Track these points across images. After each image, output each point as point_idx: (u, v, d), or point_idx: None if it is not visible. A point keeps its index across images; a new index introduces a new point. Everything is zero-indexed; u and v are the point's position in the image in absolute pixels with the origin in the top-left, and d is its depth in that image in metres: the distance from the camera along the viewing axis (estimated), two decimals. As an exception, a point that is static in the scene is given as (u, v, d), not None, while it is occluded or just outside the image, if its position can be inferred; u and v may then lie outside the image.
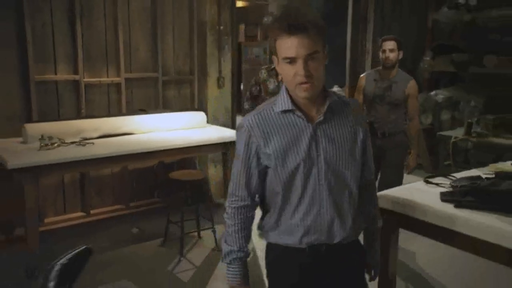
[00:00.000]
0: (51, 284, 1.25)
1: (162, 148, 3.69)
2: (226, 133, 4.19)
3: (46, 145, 3.39)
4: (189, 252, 3.79)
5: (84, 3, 4.15)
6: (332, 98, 1.56)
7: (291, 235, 1.59)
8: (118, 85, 4.44)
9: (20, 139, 3.63)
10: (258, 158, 1.57)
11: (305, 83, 1.46)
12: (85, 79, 4.23)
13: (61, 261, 1.31)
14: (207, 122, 4.63)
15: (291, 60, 1.45)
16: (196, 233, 4.02)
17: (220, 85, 4.86)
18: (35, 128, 3.57)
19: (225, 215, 1.66)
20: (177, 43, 4.77)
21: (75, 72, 4.20)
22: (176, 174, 3.84)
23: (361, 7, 6.52)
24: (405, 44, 3.72)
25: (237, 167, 1.61)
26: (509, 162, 2.70)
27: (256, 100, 3.80)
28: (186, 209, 3.74)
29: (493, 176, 2.25)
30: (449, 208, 2.04)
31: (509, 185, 2.01)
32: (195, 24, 4.77)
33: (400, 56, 3.63)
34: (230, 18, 4.76)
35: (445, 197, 2.11)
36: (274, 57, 1.56)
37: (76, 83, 4.21)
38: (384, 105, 3.63)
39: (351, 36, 6.61)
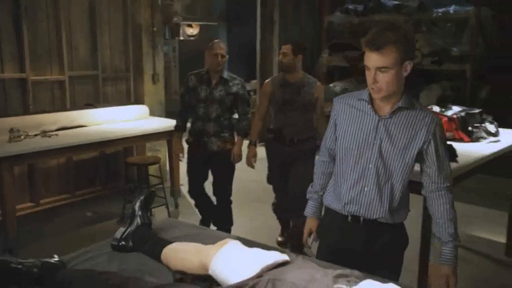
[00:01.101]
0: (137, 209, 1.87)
1: (121, 137, 4.21)
2: (168, 123, 4.75)
3: (15, 137, 3.72)
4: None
5: (28, 5, 4.43)
6: (405, 103, 1.85)
7: (338, 201, 1.98)
8: (62, 82, 4.78)
9: (-18, 134, 3.89)
10: (335, 127, 2.00)
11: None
12: (32, 77, 4.52)
13: (140, 198, 1.93)
14: (147, 114, 5.16)
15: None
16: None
17: (155, 81, 5.40)
18: (-3, 123, 3.86)
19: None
20: (114, 43, 5.20)
21: (22, 70, 4.48)
22: (135, 159, 4.37)
23: (268, 10, 7.38)
24: (304, 45, 3.71)
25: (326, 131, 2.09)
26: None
27: (191, 109, 3.72)
28: (143, 189, 4.28)
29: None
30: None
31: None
32: (130, 26, 5.24)
33: (299, 60, 3.52)
34: (161, 20, 5.31)
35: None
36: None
37: (23, 81, 4.49)
38: (295, 110, 3.53)
39: (260, 36, 7.44)
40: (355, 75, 7.45)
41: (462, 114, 3.27)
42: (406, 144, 1.87)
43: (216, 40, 3.71)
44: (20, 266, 1.60)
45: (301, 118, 3.57)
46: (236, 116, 3.80)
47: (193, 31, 8.85)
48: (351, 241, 1.96)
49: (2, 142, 3.68)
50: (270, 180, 3.93)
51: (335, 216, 2.01)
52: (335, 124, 2.01)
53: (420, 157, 1.89)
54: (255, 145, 3.71)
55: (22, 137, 3.79)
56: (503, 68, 6.94)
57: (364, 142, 1.90)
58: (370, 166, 1.90)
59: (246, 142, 3.70)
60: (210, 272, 1.55)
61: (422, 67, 6.66)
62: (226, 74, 3.66)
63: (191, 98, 3.69)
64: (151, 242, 1.85)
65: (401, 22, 1.92)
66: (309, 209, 2.18)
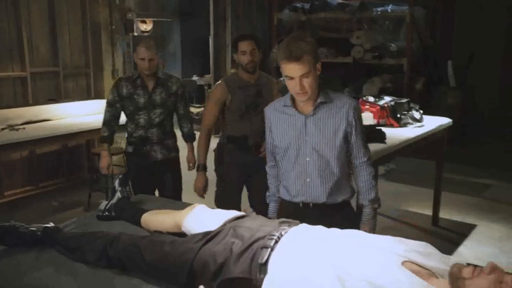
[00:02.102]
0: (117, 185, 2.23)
1: (85, 129, 4.51)
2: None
3: (-16, 131, 3.93)
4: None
5: (-11, 5, 4.62)
6: (324, 98, 2.13)
7: (288, 193, 2.27)
8: (24, 78, 4.97)
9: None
10: (271, 133, 2.27)
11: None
12: (-6, 74, 4.71)
13: (120, 176, 2.29)
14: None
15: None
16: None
17: (114, 77, 5.66)
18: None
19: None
20: (73, 41, 5.42)
21: (-16, 68, 4.66)
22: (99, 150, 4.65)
23: (220, 7, 7.75)
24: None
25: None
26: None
27: (122, 118, 3.43)
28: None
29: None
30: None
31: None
32: (89, 24, 5.48)
33: (260, 56, 3.14)
34: (120, 18, 5.58)
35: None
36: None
37: (-15, 78, 4.67)
38: (259, 115, 3.03)
39: (213, 32, 7.80)
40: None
41: (392, 103, 3.78)
42: (333, 132, 2.14)
43: (143, 43, 3.27)
44: (26, 230, 1.93)
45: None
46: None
47: (146, 27, 9.00)
48: (306, 221, 2.11)
49: (-29, 136, 3.89)
50: (222, 200, 3.26)
51: (289, 205, 2.31)
52: (271, 130, 2.28)
53: (345, 139, 2.18)
54: (205, 170, 3.22)
55: (-10, 131, 4.00)
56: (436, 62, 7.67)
57: (297, 140, 2.17)
58: (307, 159, 2.17)
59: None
60: (183, 229, 1.93)
61: (364, 61, 7.25)
62: (161, 74, 3.38)
63: (126, 107, 3.34)
64: (131, 211, 2.22)
65: (301, 33, 2.23)
66: (271, 211, 2.42)
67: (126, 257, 1.73)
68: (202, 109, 8.64)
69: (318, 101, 2.14)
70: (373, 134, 3.28)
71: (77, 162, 5.54)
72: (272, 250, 1.56)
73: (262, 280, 1.50)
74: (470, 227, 4.32)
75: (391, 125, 3.76)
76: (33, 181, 5.17)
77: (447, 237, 4.13)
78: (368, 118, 3.72)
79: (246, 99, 3.12)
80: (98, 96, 5.59)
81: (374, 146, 3.17)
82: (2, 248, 1.96)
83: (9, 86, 4.90)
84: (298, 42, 2.01)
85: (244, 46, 3.06)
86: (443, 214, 4.45)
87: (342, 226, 1.82)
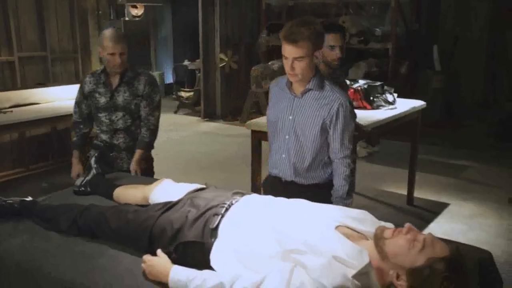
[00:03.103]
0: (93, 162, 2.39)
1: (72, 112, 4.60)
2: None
3: (-27, 114, 4.07)
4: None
5: (-25, -9, 4.72)
6: (313, 85, 2.24)
7: (269, 164, 2.47)
8: (12, 63, 5.09)
9: None
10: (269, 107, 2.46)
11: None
12: (-17, 59, 4.83)
13: (95, 154, 2.44)
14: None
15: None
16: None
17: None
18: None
19: None
20: (61, 26, 5.53)
21: (-28, 52, 4.78)
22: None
23: (209, -8, 7.84)
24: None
25: None
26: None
27: (89, 119, 3.08)
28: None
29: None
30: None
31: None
32: (76, 10, 5.58)
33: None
34: (108, 3, 5.68)
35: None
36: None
37: (-26, 62, 4.79)
38: None
39: (202, 17, 7.89)
40: (291, 54, 8.04)
41: (365, 86, 3.92)
42: (313, 120, 2.25)
43: (109, 36, 2.84)
44: (4, 203, 2.09)
45: None
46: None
47: (138, 11, 9.11)
48: (279, 194, 2.20)
49: (-40, 119, 4.03)
50: None
51: (269, 176, 2.51)
52: (270, 102, 2.45)
53: (325, 131, 2.27)
54: None
55: (-22, 114, 4.14)
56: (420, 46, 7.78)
57: (283, 117, 2.32)
58: (286, 137, 2.32)
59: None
60: (150, 201, 2.09)
61: (350, 46, 7.36)
62: (130, 72, 2.96)
63: (88, 106, 3.03)
64: (105, 187, 2.37)
65: (312, 19, 2.28)
66: None
67: (94, 224, 1.90)
68: (192, 93, 8.77)
69: (307, 86, 2.26)
70: (343, 115, 3.42)
71: (66, 145, 5.68)
72: (222, 216, 1.73)
73: (212, 243, 1.67)
74: (443, 206, 4.50)
75: (364, 108, 3.91)
76: (23, 163, 5.32)
77: (420, 215, 4.32)
78: (341, 101, 3.86)
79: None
80: (86, 80, 5.72)
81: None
82: (-18, 219, 2.12)
83: (-2, 70, 5.03)
84: (300, 27, 2.11)
85: (334, 40, 2.77)
86: (420, 194, 4.62)
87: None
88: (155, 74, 9.24)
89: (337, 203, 2.23)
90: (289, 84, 2.33)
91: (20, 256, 1.83)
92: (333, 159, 2.31)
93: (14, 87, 5.03)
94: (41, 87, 5.05)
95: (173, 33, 10.57)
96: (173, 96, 9.39)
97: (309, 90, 2.28)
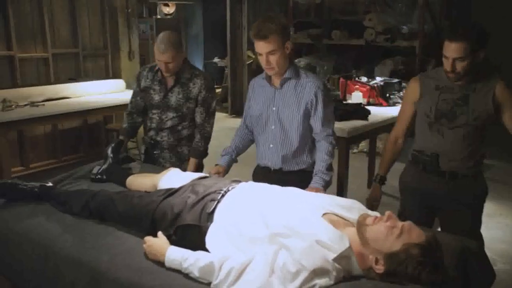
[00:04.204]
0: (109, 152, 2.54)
1: (101, 106, 4.87)
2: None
3: (7, 107, 4.33)
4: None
5: (13, -10, 5.00)
6: (290, 74, 2.36)
7: (257, 156, 2.58)
8: (46, 59, 5.36)
9: (-23, 104, 4.49)
10: (249, 103, 2.57)
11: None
12: (19, 55, 5.10)
13: (112, 145, 2.60)
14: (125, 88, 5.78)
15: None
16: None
17: (130, 58, 6.00)
18: (-10, 95, 4.46)
19: None
20: (92, 24, 5.78)
21: (9, 48, 5.05)
22: (113, 125, 5.04)
23: (237, -10, 7.98)
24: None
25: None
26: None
27: (142, 113, 3.08)
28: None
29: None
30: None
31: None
32: (107, 8, 5.81)
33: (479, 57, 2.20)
34: (136, 1, 5.90)
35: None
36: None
37: (11, 58, 5.07)
38: (455, 128, 2.33)
39: (230, 15, 8.03)
40: (317, 51, 8.11)
41: (382, 83, 3.96)
42: (296, 106, 2.37)
43: (159, 43, 2.72)
44: (25, 187, 2.27)
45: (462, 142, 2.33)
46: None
47: (169, 9, 9.34)
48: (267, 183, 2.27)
49: (-5, 111, 4.29)
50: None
51: (257, 168, 2.63)
52: (249, 100, 2.57)
53: (307, 116, 2.39)
54: (381, 183, 2.62)
55: (13, 106, 4.39)
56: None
57: (267, 110, 2.45)
58: (272, 127, 2.44)
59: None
60: (158, 188, 2.23)
61: (376, 44, 7.35)
62: (186, 72, 2.88)
63: (143, 99, 3.02)
64: (119, 175, 2.53)
65: (273, 15, 2.38)
66: (222, 161, 2.63)
67: (103, 208, 2.05)
68: (219, 90, 8.94)
69: (284, 76, 2.39)
70: (356, 111, 3.48)
71: (96, 137, 5.95)
72: (218, 202, 1.84)
73: (208, 227, 1.79)
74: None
75: (380, 104, 3.94)
76: (56, 155, 5.59)
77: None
78: (357, 97, 3.92)
79: (441, 105, 2.31)
80: (115, 75, 5.95)
81: (355, 123, 3.39)
82: (5, 201, 2.30)
83: (32, 66, 5.30)
84: (266, 23, 2.25)
85: (449, 49, 2.16)
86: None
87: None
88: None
89: (318, 177, 2.34)
90: (268, 78, 2.46)
91: (36, 234, 2.00)
92: (317, 139, 2.43)
93: (48, 82, 5.30)
94: (72, 82, 5.29)
95: (204, 31, 10.75)
96: (202, 92, 9.55)
97: (288, 79, 2.40)
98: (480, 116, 2.29)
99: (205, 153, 3.00)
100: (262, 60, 2.33)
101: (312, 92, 2.37)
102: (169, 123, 2.92)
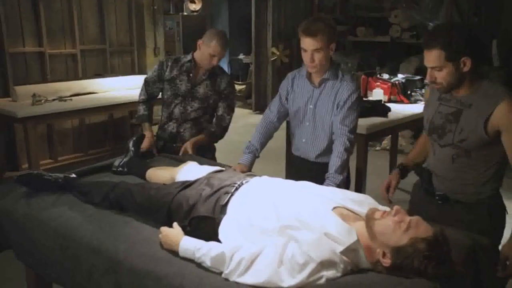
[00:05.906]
0: (131, 145, 2.62)
1: (127, 101, 4.97)
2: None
3: (37, 101, 4.47)
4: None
5: (43, -12, 5.15)
6: (329, 75, 2.44)
7: (292, 146, 2.75)
8: (74, 55, 5.52)
9: (9, 99, 4.66)
10: (285, 97, 2.64)
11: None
12: (48, 51, 5.26)
13: (133, 138, 2.68)
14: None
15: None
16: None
17: (156, 54, 6.12)
18: (22, 90, 4.62)
19: None
20: (119, 20, 5.91)
21: (40, 45, 5.22)
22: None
23: (262, -13, 8.01)
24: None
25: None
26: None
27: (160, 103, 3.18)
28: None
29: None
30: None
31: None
32: (133, 5, 5.93)
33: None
34: (162, -1, 6.00)
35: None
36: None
37: (41, 54, 5.23)
38: (445, 146, 2.05)
39: (255, 11, 8.07)
40: (342, 48, 8.07)
41: (403, 80, 3.94)
42: (331, 107, 2.47)
43: (219, 39, 2.92)
44: (49, 177, 2.36)
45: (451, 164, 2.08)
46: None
47: (196, 6, 9.44)
48: (303, 172, 2.52)
49: (26, 105, 4.43)
50: None
51: (293, 157, 2.77)
52: (288, 93, 2.61)
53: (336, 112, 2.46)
54: (400, 172, 2.38)
55: (43, 101, 4.54)
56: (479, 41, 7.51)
57: (304, 106, 2.55)
58: (307, 123, 2.57)
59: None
60: (176, 181, 2.29)
61: (401, 40, 7.27)
62: (217, 68, 3.08)
63: (165, 91, 3.11)
64: (139, 168, 2.61)
65: (324, 15, 2.42)
66: (243, 160, 2.70)
67: (122, 199, 2.12)
68: (244, 86, 8.99)
69: (323, 76, 2.47)
70: (376, 108, 3.48)
71: (122, 132, 6.09)
72: (232, 195, 1.89)
73: (221, 219, 1.84)
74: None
75: (401, 101, 3.92)
76: (83, 149, 5.75)
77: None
78: (378, 94, 3.91)
79: (436, 118, 2.07)
80: (141, 72, 6.07)
81: (374, 120, 3.40)
82: (30, 191, 2.39)
83: (61, 62, 5.46)
84: (317, 22, 2.35)
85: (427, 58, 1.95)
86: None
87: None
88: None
89: (328, 179, 2.36)
90: (309, 76, 2.54)
91: (58, 223, 2.09)
92: (334, 138, 2.48)
93: (76, 78, 5.45)
94: (99, 77, 5.43)
95: (229, 27, 10.82)
96: (227, 89, 9.64)
97: (326, 80, 2.48)
98: (469, 138, 1.90)
99: (215, 138, 3.13)
100: (305, 57, 2.38)
101: (346, 94, 2.44)
102: (193, 114, 3.07)
